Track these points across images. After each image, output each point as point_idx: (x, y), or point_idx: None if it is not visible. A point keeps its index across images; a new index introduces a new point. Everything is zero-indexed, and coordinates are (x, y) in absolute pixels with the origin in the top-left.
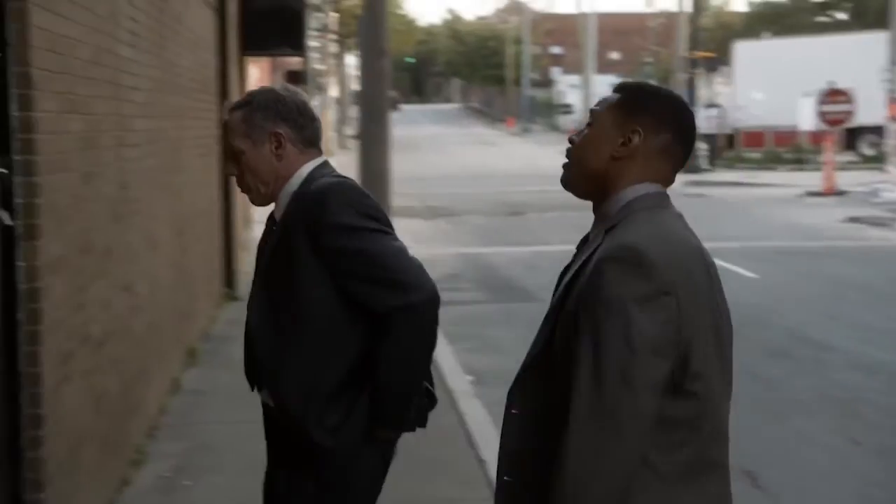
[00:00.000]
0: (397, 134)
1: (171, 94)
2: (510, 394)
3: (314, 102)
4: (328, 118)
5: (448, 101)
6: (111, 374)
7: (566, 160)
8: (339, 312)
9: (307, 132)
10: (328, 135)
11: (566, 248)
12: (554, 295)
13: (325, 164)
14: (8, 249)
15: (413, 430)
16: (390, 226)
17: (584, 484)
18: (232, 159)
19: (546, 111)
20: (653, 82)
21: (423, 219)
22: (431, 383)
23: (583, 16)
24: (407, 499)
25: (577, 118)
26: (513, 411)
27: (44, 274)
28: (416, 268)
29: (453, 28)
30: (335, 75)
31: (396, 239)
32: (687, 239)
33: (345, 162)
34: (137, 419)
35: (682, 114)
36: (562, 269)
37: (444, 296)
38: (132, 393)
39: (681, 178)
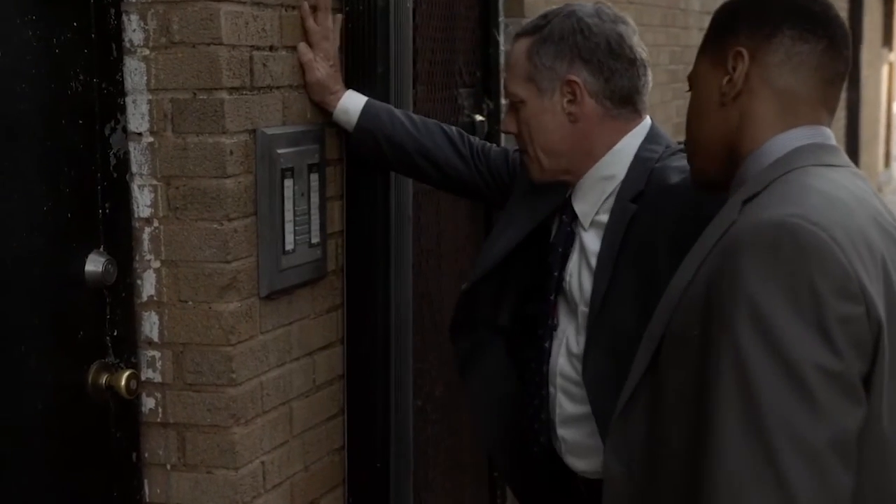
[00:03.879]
0: None
1: None
2: (605, 455)
3: None
4: None
5: None
6: None
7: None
8: None
9: (619, 81)
10: None
11: None
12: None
13: (656, 132)
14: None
15: None
16: None
17: None
18: (510, 110)
19: None
20: None
21: None
22: None
23: None
24: None
25: None
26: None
27: None
28: None
29: None
30: None
31: None
32: (869, 205)
33: None
34: None
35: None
36: None
37: None
38: None
39: None
